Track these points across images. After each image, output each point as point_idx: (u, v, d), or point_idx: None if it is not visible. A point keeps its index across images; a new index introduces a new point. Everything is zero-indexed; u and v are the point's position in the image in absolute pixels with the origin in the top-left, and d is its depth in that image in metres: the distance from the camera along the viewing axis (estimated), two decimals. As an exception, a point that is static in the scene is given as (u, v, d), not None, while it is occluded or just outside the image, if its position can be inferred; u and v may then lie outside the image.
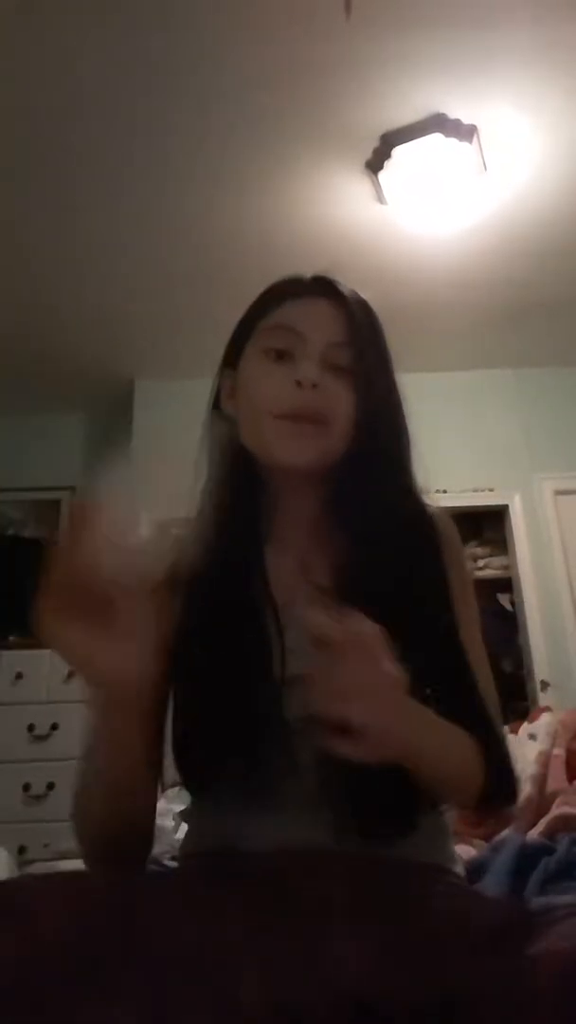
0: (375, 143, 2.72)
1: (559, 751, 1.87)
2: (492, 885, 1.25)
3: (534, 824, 1.59)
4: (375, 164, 2.79)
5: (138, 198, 2.89)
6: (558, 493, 4.12)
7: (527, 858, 1.32)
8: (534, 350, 4.15)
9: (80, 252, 3.21)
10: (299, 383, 0.79)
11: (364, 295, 0.96)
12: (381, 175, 2.82)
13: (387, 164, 2.76)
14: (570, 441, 4.19)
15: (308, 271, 0.99)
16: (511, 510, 4.11)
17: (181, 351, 3.83)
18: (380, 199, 2.97)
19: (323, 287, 0.94)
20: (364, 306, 0.93)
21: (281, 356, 0.83)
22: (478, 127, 2.66)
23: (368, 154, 2.77)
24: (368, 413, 0.84)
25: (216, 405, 0.90)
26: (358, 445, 0.82)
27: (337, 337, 0.85)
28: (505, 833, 1.54)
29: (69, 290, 3.49)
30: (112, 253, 3.24)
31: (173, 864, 1.22)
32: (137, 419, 4.16)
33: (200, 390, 0.97)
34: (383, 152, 2.73)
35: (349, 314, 0.88)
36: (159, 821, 2.12)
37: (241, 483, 0.83)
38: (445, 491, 4.12)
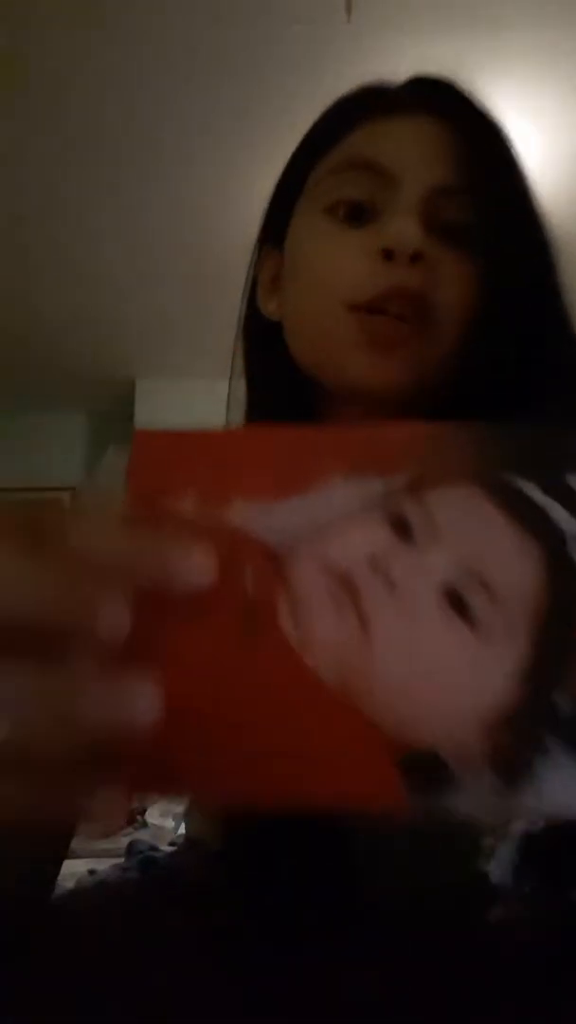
0: (375, 143, 2.72)
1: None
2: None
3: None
4: (375, 164, 2.79)
5: (137, 197, 2.89)
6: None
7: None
8: (534, 350, 4.15)
9: (79, 252, 3.20)
10: (389, 253, 0.50)
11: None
12: (381, 175, 2.82)
13: (387, 164, 2.76)
14: (570, 441, 4.19)
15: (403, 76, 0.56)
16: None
17: (182, 351, 3.83)
18: (380, 199, 2.97)
19: (425, 98, 0.60)
20: (491, 126, 0.60)
21: (358, 214, 0.53)
22: (478, 127, 2.66)
23: (368, 154, 2.77)
24: (499, 303, 0.52)
25: (252, 306, 0.62)
26: (478, 358, 0.51)
27: (448, 179, 0.54)
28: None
29: (69, 290, 3.49)
30: (112, 252, 3.23)
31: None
32: (138, 419, 4.16)
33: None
34: (383, 152, 2.73)
35: (468, 139, 0.56)
36: (160, 821, 2.12)
37: (281, 405, 0.56)
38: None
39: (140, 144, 2.68)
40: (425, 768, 0.30)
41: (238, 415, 0.62)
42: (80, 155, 2.70)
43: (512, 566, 0.31)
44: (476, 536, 0.32)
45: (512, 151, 0.60)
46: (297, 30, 2.26)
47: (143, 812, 2.04)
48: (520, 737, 0.30)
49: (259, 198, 0.70)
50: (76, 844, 0.69)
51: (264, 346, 0.58)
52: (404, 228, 0.50)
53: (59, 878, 0.56)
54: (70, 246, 3.14)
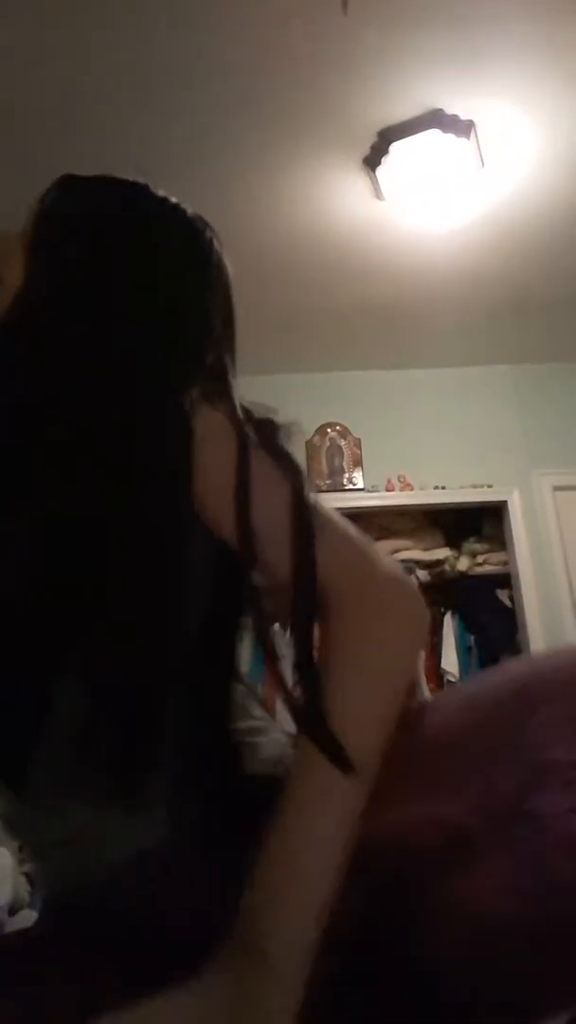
0: (372, 139, 2.72)
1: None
2: None
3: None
4: (372, 160, 2.79)
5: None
6: (557, 489, 4.12)
7: None
8: (533, 346, 4.15)
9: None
10: None
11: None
12: (379, 171, 2.82)
13: (384, 160, 2.76)
14: (569, 437, 4.19)
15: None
16: (510, 506, 4.11)
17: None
18: (377, 195, 2.97)
19: None
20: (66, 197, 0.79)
21: None
22: (476, 123, 2.66)
23: (366, 150, 2.77)
24: (30, 282, 0.71)
25: None
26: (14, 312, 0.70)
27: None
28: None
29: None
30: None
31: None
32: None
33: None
34: (380, 148, 2.73)
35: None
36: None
37: None
38: (444, 487, 4.14)
39: (137, 143, 2.67)
40: None
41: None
42: (82, 158, 2.69)
43: None
44: None
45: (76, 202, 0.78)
46: (295, 24, 2.26)
47: None
48: None
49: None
50: None
51: None
52: None
53: None
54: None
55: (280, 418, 0.70)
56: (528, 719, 0.49)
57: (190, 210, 0.81)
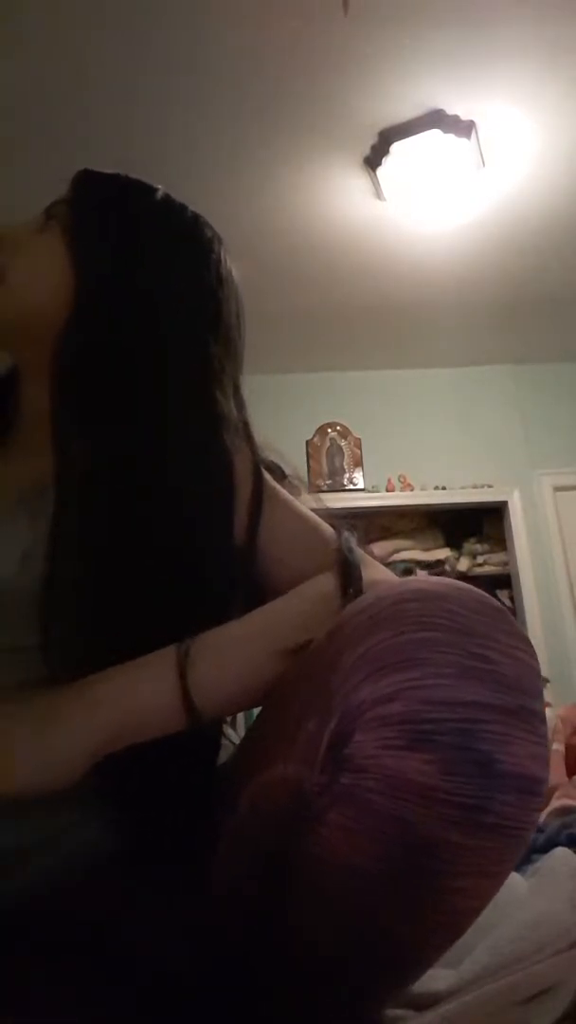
0: (373, 139, 2.72)
1: (558, 746, 1.88)
2: None
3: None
4: (373, 160, 2.79)
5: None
6: (557, 489, 4.12)
7: None
8: (533, 346, 4.15)
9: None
10: None
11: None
12: (379, 171, 2.82)
13: (385, 160, 2.76)
14: (569, 437, 4.20)
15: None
16: (510, 506, 4.11)
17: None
18: (378, 195, 2.97)
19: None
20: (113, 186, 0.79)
21: None
22: (476, 123, 2.66)
23: (366, 150, 2.77)
24: (89, 285, 0.72)
25: None
26: (71, 323, 0.71)
27: (60, 200, 0.77)
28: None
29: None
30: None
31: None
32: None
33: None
34: (381, 148, 2.73)
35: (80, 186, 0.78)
36: None
37: None
38: (444, 487, 4.14)
39: (137, 142, 2.67)
40: None
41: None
42: (82, 157, 2.69)
43: None
44: None
45: (135, 200, 0.78)
46: (295, 25, 2.26)
47: None
48: None
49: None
50: None
51: None
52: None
53: None
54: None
55: (287, 468, 0.79)
56: (337, 665, 0.50)
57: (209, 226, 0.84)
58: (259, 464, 0.73)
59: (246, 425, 0.75)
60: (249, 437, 0.74)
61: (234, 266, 0.82)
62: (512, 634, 0.51)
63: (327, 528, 0.74)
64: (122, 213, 0.77)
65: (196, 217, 0.82)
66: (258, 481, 0.71)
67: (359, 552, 0.71)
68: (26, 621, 0.63)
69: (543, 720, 0.50)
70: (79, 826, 0.65)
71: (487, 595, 0.54)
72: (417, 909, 0.49)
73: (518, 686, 0.48)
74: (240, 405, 0.76)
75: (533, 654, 0.52)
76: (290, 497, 0.75)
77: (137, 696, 0.58)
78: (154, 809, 0.61)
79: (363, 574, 0.67)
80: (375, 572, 0.70)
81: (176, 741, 0.59)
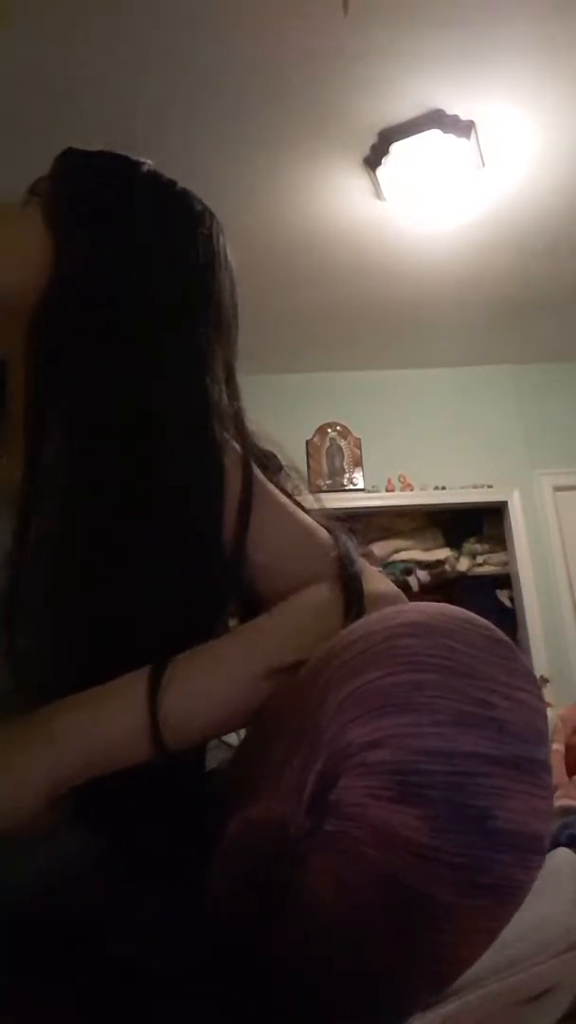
0: (373, 139, 2.72)
1: (558, 746, 1.88)
2: None
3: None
4: (373, 160, 2.79)
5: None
6: (557, 489, 4.12)
7: None
8: (533, 346, 4.15)
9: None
10: None
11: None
12: (379, 171, 2.82)
13: (385, 160, 2.76)
14: (569, 437, 4.20)
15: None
16: (510, 506, 4.11)
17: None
18: (378, 195, 2.97)
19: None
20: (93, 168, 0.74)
21: None
22: (476, 123, 2.66)
23: (366, 150, 2.77)
24: (66, 260, 0.67)
25: None
26: (47, 300, 0.67)
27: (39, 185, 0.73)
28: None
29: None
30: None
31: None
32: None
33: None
34: (381, 148, 2.73)
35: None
36: None
37: None
38: (444, 487, 4.14)
39: (137, 142, 2.67)
40: None
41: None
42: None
43: None
44: None
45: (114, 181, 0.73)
46: (295, 25, 2.26)
47: None
48: None
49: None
50: None
51: None
52: None
53: None
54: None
55: (282, 459, 0.73)
56: (324, 701, 0.47)
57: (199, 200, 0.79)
58: (249, 459, 0.67)
59: (238, 414, 0.69)
60: (241, 427, 0.68)
61: (230, 246, 0.77)
62: (517, 673, 0.47)
63: (322, 532, 0.69)
64: (105, 186, 0.72)
65: (185, 192, 0.77)
66: (247, 478, 0.65)
67: (360, 562, 0.66)
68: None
69: (547, 770, 0.47)
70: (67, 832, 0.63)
71: (490, 626, 0.50)
72: (404, 962, 0.46)
73: (521, 734, 0.45)
74: (233, 392, 0.70)
75: (539, 695, 0.48)
76: (283, 498, 0.69)
77: (102, 728, 0.55)
78: (132, 833, 0.58)
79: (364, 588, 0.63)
80: (375, 583, 0.66)
81: (154, 768, 0.56)
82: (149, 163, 0.77)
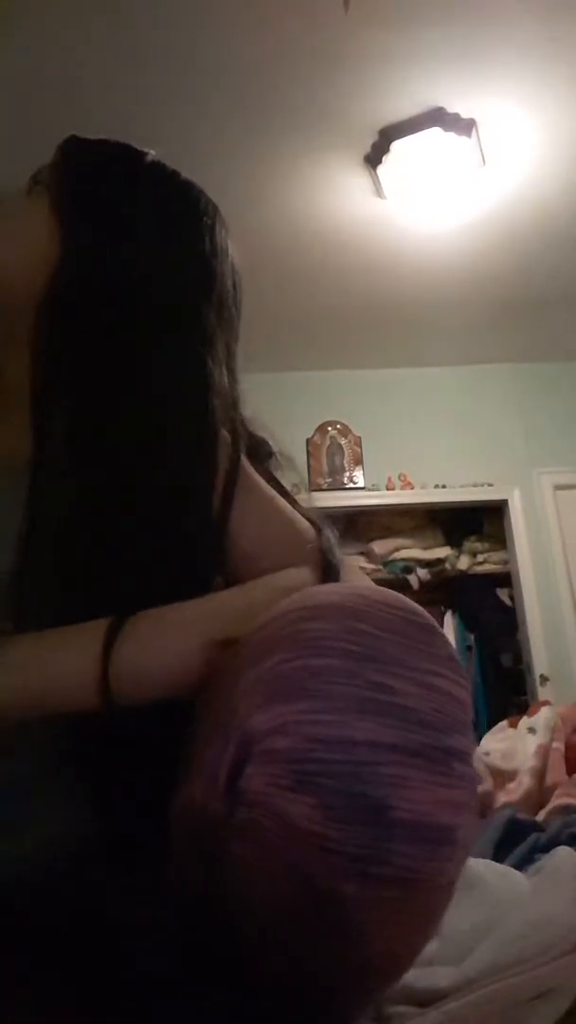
0: (373, 137, 2.72)
1: (558, 745, 1.88)
2: (475, 853, 1.25)
3: (534, 816, 1.59)
4: (374, 158, 2.79)
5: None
6: (557, 488, 4.12)
7: (514, 833, 1.32)
8: (534, 345, 4.15)
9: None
10: None
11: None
12: (380, 169, 2.81)
13: (386, 158, 2.76)
14: (569, 436, 4.20)
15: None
16: (510, 505, 4.11)
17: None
18: (379, 193, 2.97)
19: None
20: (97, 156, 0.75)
21: None
22: (477, 121, 2.65)
23: (367, 148, 2.77)
24: (72, 248, 0.67)
25: None
26: (52, 291, 0.67)
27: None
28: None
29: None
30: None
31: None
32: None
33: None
34: (382, 146, 2.73)
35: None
36: None
37: None
38: (444, 485, 4.14)
39: (137, 141, 2.67)
40: None
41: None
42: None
43: None
44: None
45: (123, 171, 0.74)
46: (295, 23, 2.26)
47: None
48: None
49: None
50: None
51: None
52: None
53: None
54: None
55: (273, 445, 0.73)
56: (236, 684, 0.47)
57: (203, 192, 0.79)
58: (239, 446, 0.67)
59: (236, 398, 0.70)
60: (236, 411, 0.69)
61: (231, 239, 0.78)
62: (434, 657, 0.46)
63: (305, 523, 0.68)
64: (109, 176, 0.73)
65: (189, 183, 0.77)
66: (234, 464, 0.65)
67: (340, 555, 0.66)
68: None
69: (463, 759, 0.45)
70: (47, 814, 0.63)
71: (414, 610, 0.48)
72: (330, 954, 0.44)
73: (428, 722, 0.44)
74: (233, 378, 0.71)
75: (455, 680, 0.46)
76: (267, 487, 0.69)
77: (52, 666, 0.54)
78: (124, 786, 0.57)
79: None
80: (355, 578, 0.65)
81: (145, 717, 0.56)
82: (152, 153, 0.77)
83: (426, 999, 0.62)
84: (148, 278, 0.68)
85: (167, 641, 0.56)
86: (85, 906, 0.60)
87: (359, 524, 4.49)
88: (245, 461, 0.67)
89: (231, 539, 0.63)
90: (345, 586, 0.51)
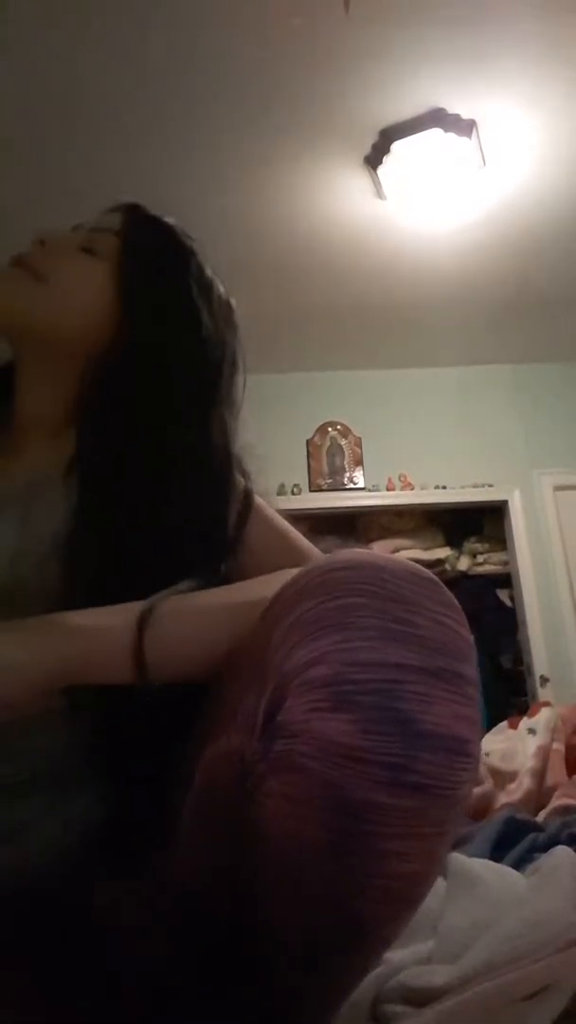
0: (374, 138, 2.72)
1: (558, 745, 1.88)
2: (473, 853, 1.25)
3: (534, 817, 1.59)
4: (374, 159, 2.79)
5: (134, 193, 2.88)
6: (557, 489, 4.12)
7: (512, 832, 1.32)
8: (534, 346, 4.15)
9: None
10: (36, 243, 0.80)
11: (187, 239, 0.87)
12: (380, 170, 2.82)
13: (386, 159, 2.76)
14: (569, 437, 4.19)
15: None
16: (510, 506, 4.11)
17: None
18: (379, 194, 2.97)
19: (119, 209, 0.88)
20: (160, 230, 0.86)
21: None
22: (477, 122, 2.66)
23: (367, 149, 2.77)
24: (133, 317, 0.79)
25: None
26: (115, 351, 0.78)
27: (104, 224, 0.84)
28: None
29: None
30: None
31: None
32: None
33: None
34: (382, 147, 2.73)
35: (130, 224, 0.85)
36: None
37: None
38: (444, 486, 4.14)
39: (138, 141, 2.67)
40: None
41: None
42: (82, 157, 2.70)
43: None
44: None
45: (176, 246, 0.85)
46: (296, 24, 2.26)
47: None
48: None
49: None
50: None
51: None
52: (48, 231, 0.81)
53: None
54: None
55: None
56: (270, 638, 0.52)
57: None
58: (251, 487, 0.78)
59: (245, 448, 0.81)
60: (245, 461, 0.80)
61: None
62: (441, 603, 0.52)
63: (308, 544, 0.78)
64: (166, 260, 0.83)
65: (212, 276, 0.87)
66: (247, 499, 0.76)
67: None
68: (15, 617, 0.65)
69: (471, 683, 0.51)
70: (51, 811, 0.67)
71: (421, 569, 0.56)
72: (359, 873, 0.49)
73: (443, 649, 0.50)
74: (240, 429, 0.83)
75: (461, 622, 0.53)
76: (274, 514, 0.78)
77: (96, 638, 0.59)
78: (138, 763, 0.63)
79: None
80: None
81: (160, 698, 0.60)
82: (195, 241, 0.87)
83: (423, 998, 0.62)
84: (187, 352, 0.79)
85: (199, 623, 0.63)
86: (84, 907, 0.62)
87: (359, 525, 4.49)
88: (257, 496, 0.78)
89: (246, 554, 0.73)
90: (364, 550, 0.58)
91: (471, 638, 0.53)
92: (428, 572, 0.55)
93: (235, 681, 0.56)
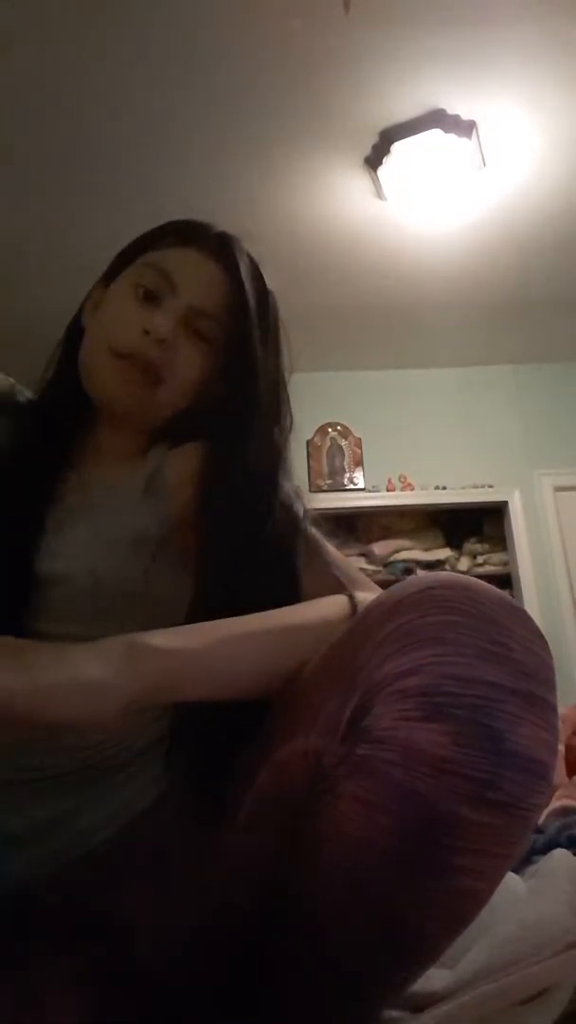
0: (374, 139, 2.72)
1: (559, 746, 1.88)
2: None
3: (533, 819, 1.59)
4: (374, 160, 2.79)
5: (134, 195, 2.89)
6: (557, 489, 4.12)
7: None
8: (534, 346, 4.15)
9: (80, 250, 3.20)
10: (147, 332, 0.78)
11: (269, 273, 0.91)
12: (380, 171, 2.82)
13: (386, 160, 2.76)
14: (570, 438, 4.19)
15: (218, 225, 0.93)
16: (510, 506, 4.11)
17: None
18: (379, 195, 2.97)
19: (219, 247, 0.88)
20: (258, 284, 0.88)
21: (148, 297, 0.81)
22: (477, 122, 2.66)
23: (367, 150, 2.77)
24: (222, 391, 0.80)
25: (78, 314, 0.91)
26: (198, 416, 0.80)
27: (209, 304, 0.82)
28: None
29: (71, 288, 3.47)
30: (112, 250, 3.22)
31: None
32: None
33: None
34: (382, 148, 2.73)
35: (233, 287, 0.84)
36: None
37: (62, 396, 0.84)
38: (445, 487, 4.14)
39: (138, 140, 2.67)
40: None
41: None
42: (83, 157, 2.70)
43: None
44: None
45: (268, 305, 0.89)
46: (296, 24, 2.26)
47: None
48: None
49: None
50: None
51: (71, 345, 0.86)
52: (163, 322, 0.78)
53: None
54: (71, 247, 3.14)
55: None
56: (363, 646, 0.53)
57: None
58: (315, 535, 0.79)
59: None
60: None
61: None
62: (530, 630, 0.53)
63: (358, 572, 0.79)
64: (266, 301, 0.88)
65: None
66: (311, 539, 0.78)
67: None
68: (99, 615, 0.70)
69: (554, 711, 0.52)
70: (94, 804, 0.70)
71: (510, 597, 0.57)
72: (424, 886, 0.49)
73: (533, 675, 0.51)
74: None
75: (548, 651, 0.54)
76: (331, 549, 0.79)
77: (179, 658, 0.59)
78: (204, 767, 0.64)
79: None
80: None
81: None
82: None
83: (421, 1002, 0.61)
84: (282, 407, 0.84)
85: (264, 644, 0.64)
86: (113, 905, 0.64)
87: (359, 525, 4.49)
88: (314, 531, 0.79)
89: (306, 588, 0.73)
90: (454, 574, 0.58)
91: (552, 665, 0.54)
92: (517, 603, 0.56)
93: (314, 690, 0.57)
